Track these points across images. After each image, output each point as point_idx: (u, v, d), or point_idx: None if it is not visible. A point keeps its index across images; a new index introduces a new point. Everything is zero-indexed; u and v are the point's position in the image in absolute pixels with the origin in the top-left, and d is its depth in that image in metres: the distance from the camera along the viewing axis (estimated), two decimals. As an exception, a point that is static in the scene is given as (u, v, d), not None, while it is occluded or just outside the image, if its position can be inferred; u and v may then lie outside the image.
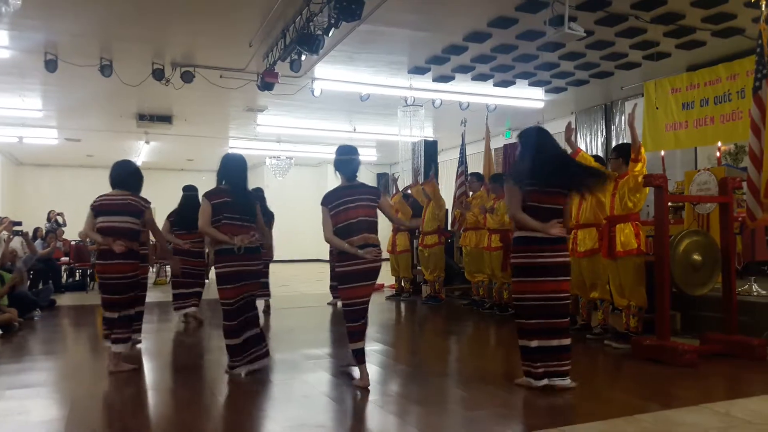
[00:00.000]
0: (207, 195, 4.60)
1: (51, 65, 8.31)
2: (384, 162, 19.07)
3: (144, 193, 5.07)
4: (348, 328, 4.34)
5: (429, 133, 13.73)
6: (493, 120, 11.22)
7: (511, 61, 8.90)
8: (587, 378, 4.58)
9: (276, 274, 13.70)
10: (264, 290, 7.88)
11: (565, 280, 4.18)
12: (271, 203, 7.99)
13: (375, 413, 3.84)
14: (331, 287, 8.95)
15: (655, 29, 7.63)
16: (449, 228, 10.07)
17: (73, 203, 12.85)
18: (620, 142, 10.36)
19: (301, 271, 15.90)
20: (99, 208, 4.77)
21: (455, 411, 3.92)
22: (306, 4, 6.59)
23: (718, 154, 7.50)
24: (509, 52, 8.46)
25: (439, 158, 13.89)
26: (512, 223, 4.42)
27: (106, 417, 3.86)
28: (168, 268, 11.69)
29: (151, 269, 11.39)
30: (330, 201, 4.34)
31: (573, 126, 5.81)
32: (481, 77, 9.72)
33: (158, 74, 8.78)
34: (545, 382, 4.04)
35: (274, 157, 16.77)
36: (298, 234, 17.80)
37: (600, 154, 10.97)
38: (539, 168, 4.12)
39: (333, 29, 6.50)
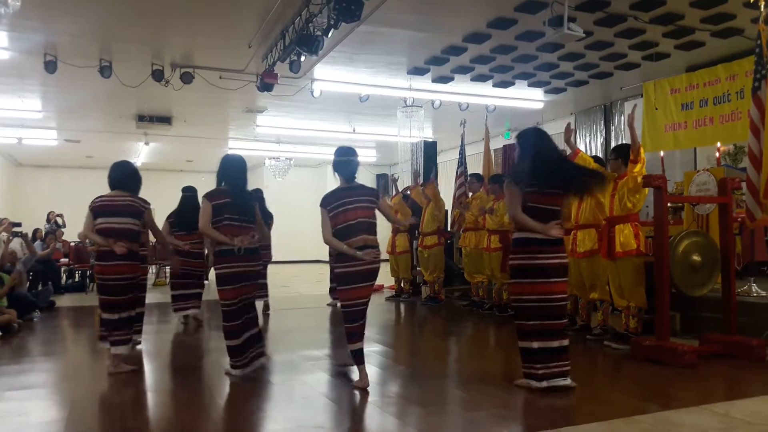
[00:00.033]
0: (207, 196, 4.60)
1: (50, 66, 8.31)
2: (383, 163, 19.08)
3: (143, 194, 5.07)
4: (346, 329, 4.34)
5: (428, 134, 13.74)
6: (493, 121, 11.23)
7: (510, 61, 8.90)
8: (587, 379, 4.58)
9: (275, 275, 13.71)
10: (262, 291, 7.89)
11: (564, 281, 4.18)
12: (271, 204, 7.99)
13: (374, 414, 3.84)
14: (331, 288, 8.95)
15: (654, 30, 7.64)
16: (449, 229, 10.08)
17: (72, 204, 12.83)
18: (619, 142, 10.38)
19: (300, 272, 15.90)
20: (98, 210, 4.76)
21: (455, 412, 3.91)
22: (305, 5, 6.60)
23: (717, 154, 7.50)
24: (508, 52, 8.46)
25: (439, 159, 13.90)
26: (511, 224, 4.42)
27: (106, 418, 3.85)
28: (167, 269, 11.69)
29: (150, 270, 11.43)
30: (329, 202, 4.34)
31: (572, 127, 5.81)
32: (481, 78, 9.73)
33: (158, 75, 8.79)
34: (548, 383, 4.04)
35: (274, 158, 16.78)
36: (298, 235, 17.80)
37: (599, 154, 10.98)
38: (539, 169, 4.12)
39: (332, 30, 6.50)
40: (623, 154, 5.53)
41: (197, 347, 6.30)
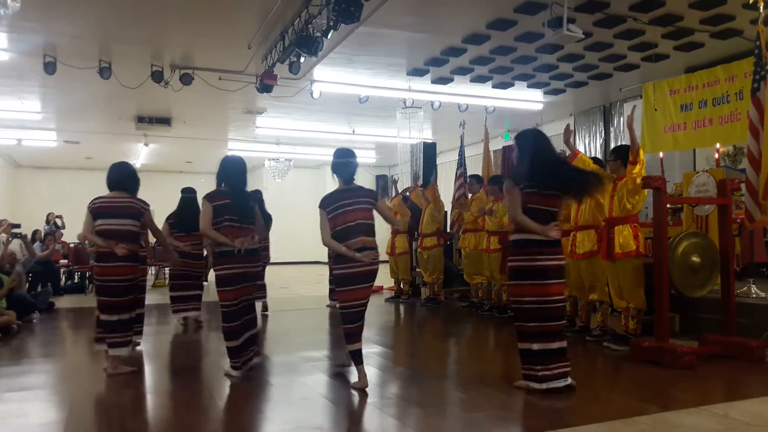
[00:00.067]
0: (208, 197, 4.60)
1: (50, 67, 8.31)
2: (383, 164, 19.08)
3: (143, 195, 5.07)
4: (345, 329, 4.36)
5: (428, 135, 13.74)
6: (492, 122, 11.24)
7: (509, 62, 8.91)
8: (586, 380, 4.58)
9: (275, 276, 13.71)
10: (260, 292, 7.90)
11: (562, 282, 4.19)
12: (270, 205, 8.00)
13: (374, 415, 3.84)
14: (331, 290, 8.95)
15: (654, 31, 7.64)
16: (448, 230, 10.08)
17: (72, 206, 12.84)
18: (619, 143, 10.37)
19: (299, 273, 15.90)
20: (98, 211, 4.75)
21: (454, 413, 3.91)
22: (305, 6, 6.60)
23: (716, 155, 7.51)
24: (508, 53, 8.46)
25: (438, 160, 13.89)
26: (511, 225, 4.42)
27: (105, 419, 3.86)
28: (167, 270, 11.68)
29: (150, 272, 11.42)
30: (328, 204, 4.35)
31: (571, 128, 5.81)
32: (480, 79, 9.73)
33: (157, 76, 8.78)
34: (547, 385, 4.04)
35: (273, 159, 16.79)
36: (297, 236, 17.79)
37: (599, 155, 10.99)
38: (538, 170, 4.13)
39: (332, 31, 6.50)
40: (622, 156, 5.53)
41: (196, 348, 6.30)
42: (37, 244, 11.19)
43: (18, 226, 10.73)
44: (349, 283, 4.29)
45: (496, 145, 13.39)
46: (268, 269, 8.37)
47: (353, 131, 13.82)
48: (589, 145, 12.03)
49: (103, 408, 4.14)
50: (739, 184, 5.74)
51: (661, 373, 4.65)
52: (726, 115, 8.58)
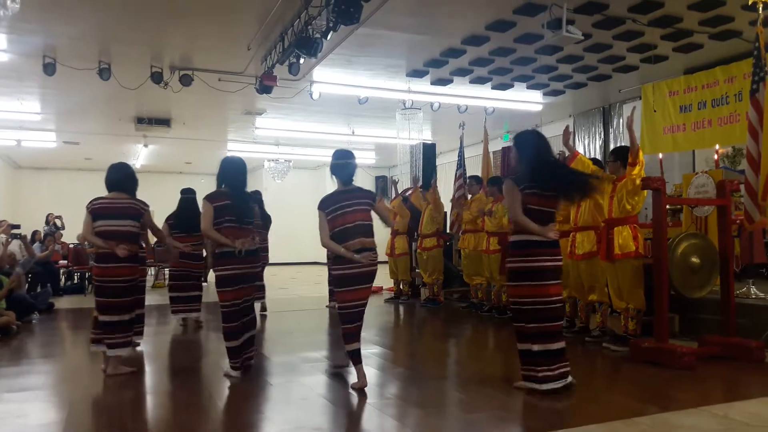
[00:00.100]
0: (209, 198, 4.61)
1: (49, 69, 8.31)
2: (382, 165, 19.09)
3: (142, 196, 5.07)
4: (343, 330, 4.37)
5: (427, 136, 13.75)
6: (492, 123, 11.25)
7: (509, 64, 8.91)
8: (586, 380, 4.58)
9: (274, 276, 13.72)
10: (259, 292, 7.90)
11: (559, 283, 4.19)
12: (270, 206, 8.00)
13: (373, 416, 3.84)
14: (330, 291, 8.95)
15: (653, 32, 7.65)
16: (448, 231, 10.08)
17: (71, 206, 12.84)
18: (618, 144, 10.38)
19: (299, 274, 15.90)
20: (98, 212, 4.74)
21: (454, 414, 3.92)
22: (304, 7, 6.60)
23: (715, 156, 7.52)
24: (507, 55, 8.47)
25: (438, 161, 13.91)
26: (510, 226, 4.43)
27: (105, 420, 3.86)
28: (167, 271, 11.68)
29: (149, 272, 11.41)
30: (327, 205, 4.37)
31: (571, 129, 5.82)
32: (480, 80, 9.74)
33: (157, 77, 8.79)
34: (548, 386, 4.04)
35: (273, 160, 16.79)
36: (297, 237, 17.81)
37: (598, 157, 10.99)
38: (539, 171, 4.13)
39: (331, 32, 6.50)
40: (622, 156, 5.54)
41: (196, 349, 6.30)
42: (36, 245, 11.19)
43: (17, 226, 10.76)
44: (347, 284, 4.30)
45: (496, 146, 13.39)
46: (268, 270, 8.37)
47: (353, 132, 13.83)
48: (588, 147, 12.04)
49: (103, 408, 4.14)
50: (738, 185, 5.75)
51: (661, 374, 4.65)
52: (725, 116, 8.59)
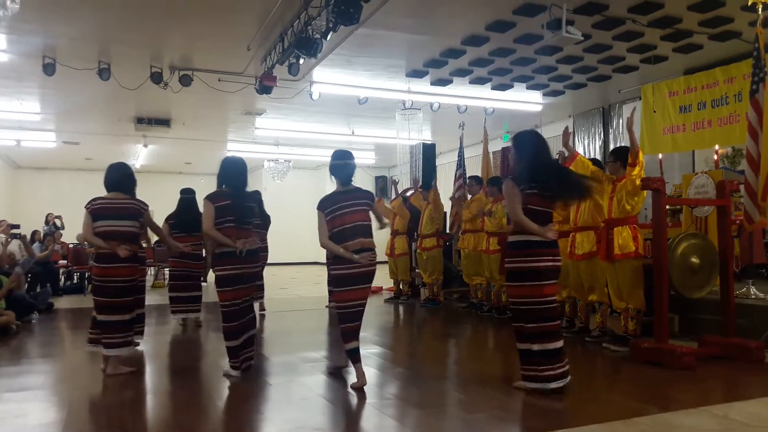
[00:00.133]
0: (210, 198, 4.61)
1: (49, 69, 8.31)
2: (382, 165, 19.09)
3: (142, 196, 5.08)
4: (342, 329, 4.39)
5: (427, 136, 13.74)
6: (491, 123, 11.25)
7: (508, 64, 8.91)
8: (586, 381, 4.59)
9: (274, 276, 13.72)
10: (259, 292, 7.90)
11: (555, 283, 4.20)
12: (269, 206, 7.99)
13: (373, 416, 3.84)
14: (330, 291, 8.94)
15: (653, 33, 7.66)
16: (447, 231, 10.08)
17: (71, 206, 12.83)
18: (618, 145, 10.40)
19: (298, 274, 15.90)
20: (98, 212, 4.73)
21: (453, 414, 3.92)
22: (304, 7, 6.60)
23: (715, 157, 7.52)
24: (507, 55, 8.47)
25: (438, 161, 13.91)
26: (509, 226, 4.43)
27: (104, 420, 3.85)
28: (166, 271, 11.67)
29: (149, 272, 11.41)
30: (326, 206, 4.38)
31: (570, 130, 5.83)
32: (479, 81, 9.74)
33: (156, 78, 8.78)
34: (551, 385, 4.04)
35: (273, 160, 16.80)
36: (296, 237, 17.81)
37: (598, 157, 11.00)
38: (541, 172, 4.14)
39: (331, 33, 6.50)
40: (622, 157, 5.54)
41: (195, 349, 6.30)
42: (36, 245, 11.19)
43: (17, 226, 10.74)
44: (346, 284, 4.32)
45: (495, 146, 13.40)
46: (267, 270, 8.37)
47: (352, 132, 13.83)
48: (588, 147, 12.04)
49: (102, 408, 4.14)
50: (738, 185, 5.75)
51: (661, 374, 4.65)
52: (725, 116, 8.59)
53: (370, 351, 5.61)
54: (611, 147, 10.91)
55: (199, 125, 13.30)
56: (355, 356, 4.34)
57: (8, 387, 4.49)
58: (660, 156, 7.88)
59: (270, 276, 8.45)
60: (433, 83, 9.84)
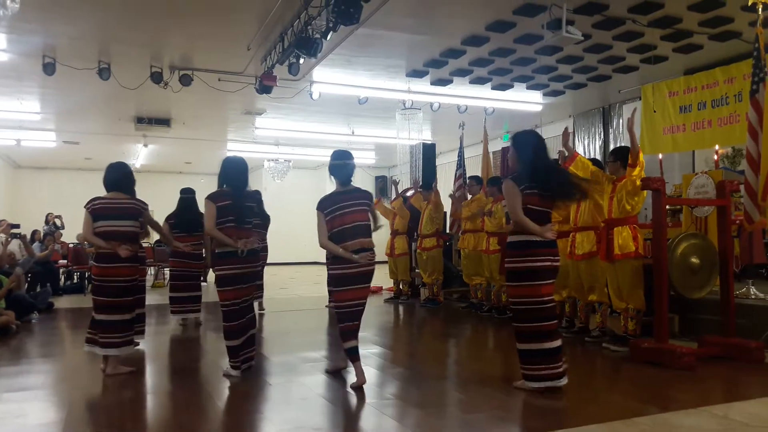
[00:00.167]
0: (211, 197, 4.61)
1: (49, 68, 8.31)
2: (382, 165, 19.09)
3: (142, 196, 5.08)
4: (341, 328, 4.41)
5: (427, 136, 13.75)
6: (491, 123, 11.25)
7: (508, 64, 8.91)
8: (585, 381, 4.60)
9: (274, 276, 13.72)
10: (258, 292, 7.91)
11: (552, 282, 4.19)
12: (269, 206, 7.99)
13: (373, 415, 3.84)
14: (329, 291, 8.93)
15: (653, 33, 7.66)
16: (447, 231, 10.08)
17: (71, 206, 12.83)
18: (618, 145, 10.39)
19: (298, 274, 15.90)
20: (99, 212, 4.72)
21: (453, 414, 3.91)
22: (304, 7, 6.60)
23: (715, 157, 7.52)
24: (507, 55, 8.47)
25: (438, 161, 13.90)
26: (508, 226, 4.43)
27: (104, 420, 3.85)
28: (166, 270, 11.68)
29: (149, 272, 11.42)
30: (326, 206, 4.40)
31: (571, 130, 5.83)
32: (479, 80, 9.74)
33: (156, 77, 8.78)
34: (549, 383, 4.05)
35: (273, 160, 16.80)
36: (296, 237, 17.81)
37: (598, 157, 11.00)
38: (541, 172, 4.15)
39: (331, 33, 6.50)
40: (622, 157, 5.54)
41: (195, 348, 6.29)
42: (36, 245, 11.20)
43: (17, 226, 10.74)
44: (345, 284, 4.35)
45: (496, 146, 13.40)
46: (267, 270, 8.37)
47: (352, 132, 13.83)
48: (588, 147, 12.04)
49: (102, 408, 4.14)
50: (738, 185, 5.75)
51: (661, 374, 4.65)
52: (725, 116, 8.59)
53: (370, 351, 5.61)
54: (611, 147, 10.91)
55: (199, 125, 13.30)
56: (354, 355, 4.35)
57: (8, 387, 4.48)
58: (660, 156, 7.88)
59: (270, 276, 8.45)
60: (433, 83, 9.84)
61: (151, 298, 8.85)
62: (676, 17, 7.22)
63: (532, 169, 4.15)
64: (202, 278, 7.95)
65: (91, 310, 4.90)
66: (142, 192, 5.19)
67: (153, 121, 12.36)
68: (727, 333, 5.31)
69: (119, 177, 4.91)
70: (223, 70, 9.15)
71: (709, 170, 7.05)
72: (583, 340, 5.97)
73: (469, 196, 8.58)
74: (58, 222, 14.24)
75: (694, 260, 5.38)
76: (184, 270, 7.28)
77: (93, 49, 8.23)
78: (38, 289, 9.86)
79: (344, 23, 6.15)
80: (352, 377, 4.45)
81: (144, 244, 6.86)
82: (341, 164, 4.54)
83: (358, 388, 4.27)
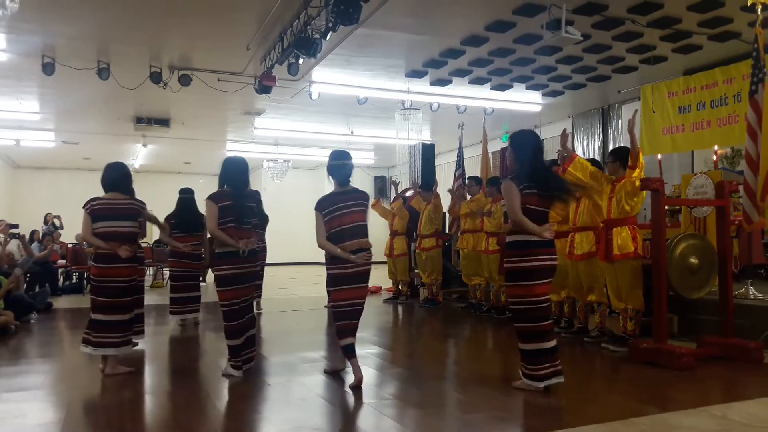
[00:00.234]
0: (212, 198, 4.61)
1: (48, 68, 8.31)
2: (382, 165, 19.09)
3: (141, 196, 5.09)
4: (338, 326, 4.44)
5: (426, 137, 13.75)
6: (491, 123, 11.26)
7: (508, 64, 8.91)
8: (585, 381, 4.60)
9: (273, 277, 13.71)
10: (257, 291, 7.90)
11: (548, 282, 4.19)
12: (269, 206, 8.00)
13: (372, 416, 3.84)
14: (328, 291, 8.93)
15: (652, 33, 7.66)
16: (447, 231, 10.08)
17: (70, 206, 12.82)
18: (617, 145, 10.40)
19: (297, 274, 15.90)
20: (98, 213, 4.72)
21: (452, 414, 3.91)
22: (303, 7, 6.60)
23: (714, 157, 7.52)
24: (506, 55, 8.47)
25: (437, 161, 13.92)
26: (506, 226, 4.44)
27: (103, 420, 3.85)
28: (165, 271, 11.68)
29: (148, 272, 11.41)
30: (324, 206, 4.41)
31: (570, 130, 5.84)
32: (479, 81, 9.74)
33: (156, 77, 8.78)
34: (548, 382, 4.07)
35: (272, 160, 16.80)
36: (295, 237, 17.81)
37: (597, 157, 11.00)
38: (541, 172, 4.15)
39: (330, 33, 6.50)
40: (621, 157, 5.54)
41: (194, 348, 6.29)
42: (35, 245, 11.18)
43: (16, 226, 10.75)
44: (342, 283, 4.38)
45: (495, 146, 13.41)
46: (266, 270, 8.36)
47: (352, 132, 13.83)
48: (587, 147, 12.04)
49: (101, 408, 4.14)
50: (737, 185, 5.75)
51: (660, 375, 4.66)
52: (724, 117, 8.60)
53: (369, 351, 5.61)
54: (610, 147, 10.92)
55: (199, 125, 13.30)
56: (350, 353, 4.38)
57: (7, 387, 4.48)
58: (659, 156, 7.89)
59: (269, 276, 8.45)
60: (432, 83, 9.84)
61: (150, 299, 8.85)
62: (675, 17, 7.22)
63: (531, 169, 4.16)
64: (201, 278, 7.94)
65: (89, 310, 4.88)
66: (141, 192, 5.19)
67: (152, 121, 12.35)
68: (725, 333, 5.31)
69: (117, 177, 4.91)
70: (222, 70, 9.15)
71: (708, 171, 7.05)
72: (582, 340, 5.97)
73: (469, 197, 8.58)
74: (56, 222, 14.22)
75: (693, 260, 5.39)
76: (184, 270, 7.28)
77: (92, 49, 8.23)
78: (37, 290, 9.85)
79: (344, 23, 6.15)
80: (351, 377, 4.45)
81: (143, 244, 6.85)
82: (339, 164, 4.55)
83: (357, 388, 4.27)
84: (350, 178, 4.58)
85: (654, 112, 9.57)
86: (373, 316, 8.16)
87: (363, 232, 4.42)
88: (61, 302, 9.70)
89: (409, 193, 9.82)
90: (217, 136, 14.88)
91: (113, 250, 4.64)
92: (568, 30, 6.41)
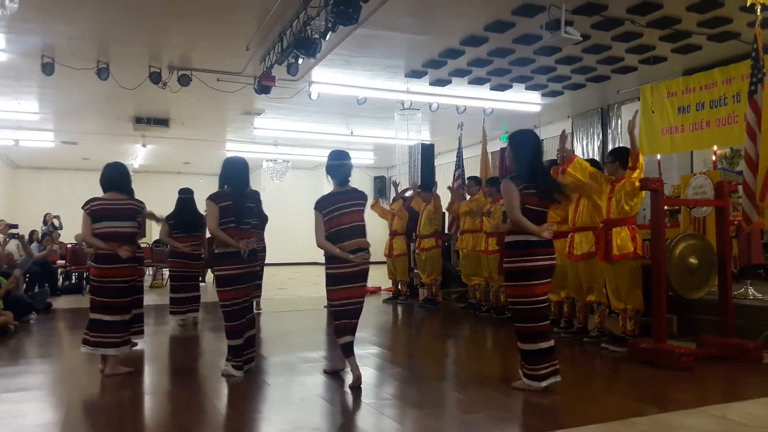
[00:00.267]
0: (213, 198, 4.61)
1: (48, 68, 8.30)
2: (381, 165, 19.09)
3: (140, 196, 5.09)
4: (336, 325, 4.46)
5: (426, 137, 13.75)
6: (490, 124, 11.25)
7: (507, 64, 8.92)
8: (584, 381, 4.60)
9: (272, 277, 13.71)
10: (256, 291, 7.90)
11: (547, 282, 4.20)
12: (268, 206, 7.99)
13: (371, 416, 3.84)
14: (327, 290, 8.93)
15: (651, 33, 7.67)
16: (446, 231, 10.09)
17: (69, 206, 12.79)
18: (616, 145, 10.40)
19: (297, 274, 15.89)
20: (98, 213, 4.71)
21: (452, 414, 3.92)
22: (303, 7, 6.60)
23: (713, 157, 7.53)
24: (506, 55, 8.47)
25: (437, 161, 13.91)
26: (505, 226, 4.45)
27: (102, 420, 3.85)
28: (165, 271, 11.67)
29: (147, 272, 11.41)
30: (323, 206, 4.43)
31: (569, 130, 5.84)
32: (478, 81, 9.74)
33: (155, 77, 8.78)
34: (551, 381, 4.08)
35: (271, 161, 16.80)
36: (295, 237, 17.81)
37: (596, 158, 11.00)
38: (541, 172, 4.16)
39: (330, 33, 6.50)
40: (620, 157, 5.55)
41: (194, 349, 6.29)
42: (34, 245, 11.18)
43: (15, 226, 10.74)
44: (341, 283, 4.40)
45: (494, 146, 13.40)
46: (266, 270, 8.36)
47: (351, 132, 13.83)
48: (586, 147, 12.05)
49: (101, 409, 4.13)
50: (736, 186, 5.76)
51: (659, 375, 4.66)
52: (723, 117, 8.60)
53: (369, 351, 5.61)
54: (610, 147, 10.92)
55: (198, 125, 13.30)
56: (348, 351, 4.40)
57: (6, 387, 4.48)
58: (658, 156, 7.89)
59: (268, 276, 8.45)
60: (432, 83, 9.84)
61: (150, 299, 8.84)
62: (674, 18, 7.22)
63: (532, 168, 4.16)
64: (200, 278, 7.94)
65: (89, 310, 4.88)
66: (140, 192, 5.19)
67: (151, 121, 12.35)
68: (725, 333, 5.31)
69: (116, 177, 4.90)
70: (221, 71, 9.14)
71: (708, 171, 7.06)
72: (582, 340, 5.97)
73: (468, 197, 8.58)
74: (56, 222, 14.21)
75: (693, 261, 5.39)
76: (183, 270, 7.28)
77: (92, 49, 8.23)
78: (36, 290, 9.84)
79: (343, 23, 6.15)
80: (350, 377, 4.45)
81: (142, 245, 6.86)
82: (338, 164, 4.56)
83: (357, 388, 4.27)
84: (349, 178, 4.59)
85: (653, 112, 9.57)
86: (373, 316, 8.17)
87: (362, 232, 4.43)
88: (61, 302, 9.70)
89: (408, 194, 9.82)
90: (216, 136, 14.88)
91: (113, 250, 4.64)
92: (567, 30, 6.41)
